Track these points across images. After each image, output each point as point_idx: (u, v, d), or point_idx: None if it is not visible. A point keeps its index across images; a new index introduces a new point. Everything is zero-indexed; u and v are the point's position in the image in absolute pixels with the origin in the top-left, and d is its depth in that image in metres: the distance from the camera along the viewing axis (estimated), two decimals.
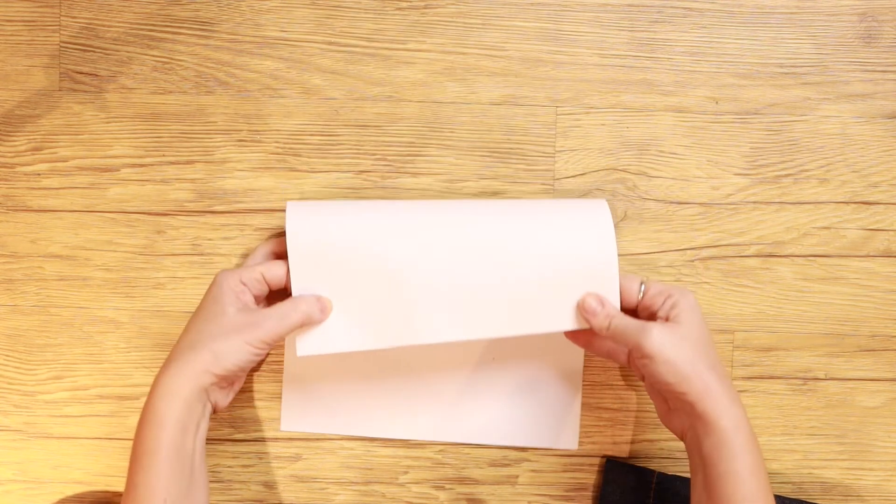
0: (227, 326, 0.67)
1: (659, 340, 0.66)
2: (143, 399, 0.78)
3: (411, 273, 0.71)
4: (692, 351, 0.66)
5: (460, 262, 0.71)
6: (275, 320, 0.68)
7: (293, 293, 0.70)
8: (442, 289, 0.71)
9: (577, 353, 0.77)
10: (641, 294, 0.70)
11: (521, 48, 0.77)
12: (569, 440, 0.78)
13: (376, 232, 0.71)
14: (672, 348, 0.65)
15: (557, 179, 0.78)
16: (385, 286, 0.71)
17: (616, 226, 0.77)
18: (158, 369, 0.68)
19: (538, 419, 0.77)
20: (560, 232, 0.71)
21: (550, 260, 0.70)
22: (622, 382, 0.78)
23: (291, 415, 0.78)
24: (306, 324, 0.69)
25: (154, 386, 0.66)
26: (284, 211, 0.78)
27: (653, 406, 0.78)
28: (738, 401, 0.65)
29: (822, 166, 0.77)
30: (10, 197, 0.79)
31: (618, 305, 0.70)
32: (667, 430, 0.78)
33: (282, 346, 0.78)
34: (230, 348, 0.67)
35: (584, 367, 0.77)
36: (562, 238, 0.70)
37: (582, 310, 0.70)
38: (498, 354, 0.77)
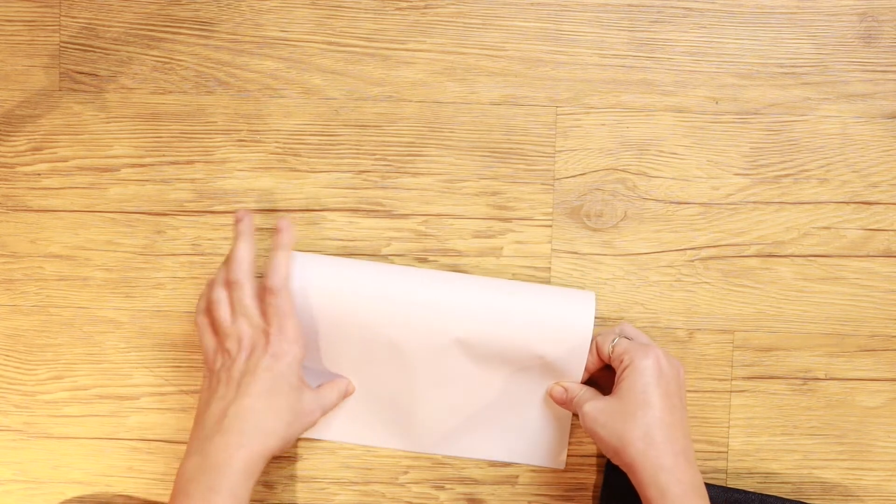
0: (295, 415, 0.71)
1: (590, 418, 0.70)
2: (143, 399, 0.78)
3: (389, 375, 0.76)
4: (623, 423, 0.68)
5: (436, 374, 0.75)
6: (321, 409, 0.73)
7: None
8: (415, 400, 0.76)
9: (575, 373, 0.76)
10: (612, 350, 0.72)
11: (521, 48, 0.77)
12: (558, 459, 0.78)
13: (364, 321, 0.74)
14: (602, 427, 0.70)
15: (557, 179, 0.78)
16: (361, 380, 0.77)
17: (616, 226, 0.78)
18: (232, 435, 0.67)
19: (528, 438, 0.77)
20: (539, 331, 0.73)
21: (525, 368, 0.75)
22: None
23: None
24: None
25: (236, 460, 0.66)
26: (284, 211, 0.78)
27: None
28: (672, 468, 0.67)
29: (822, 166, 0.77)
30: (10, 197, 0.79)
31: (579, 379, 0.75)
32: None
33: None
34: (293, 438, 0.71)
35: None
36: (539, 336, 0.74)
37: (551, 397, 0.76)
38: (490, 367, 0.76)
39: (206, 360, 0.72)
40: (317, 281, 0.74)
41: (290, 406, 0.70)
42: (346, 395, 0.76)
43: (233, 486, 0.66)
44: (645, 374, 0.69)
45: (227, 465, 0.66)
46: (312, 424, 0.72)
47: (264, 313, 0.70)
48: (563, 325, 0.73)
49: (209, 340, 0.72)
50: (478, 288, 0.74)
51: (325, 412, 0.74)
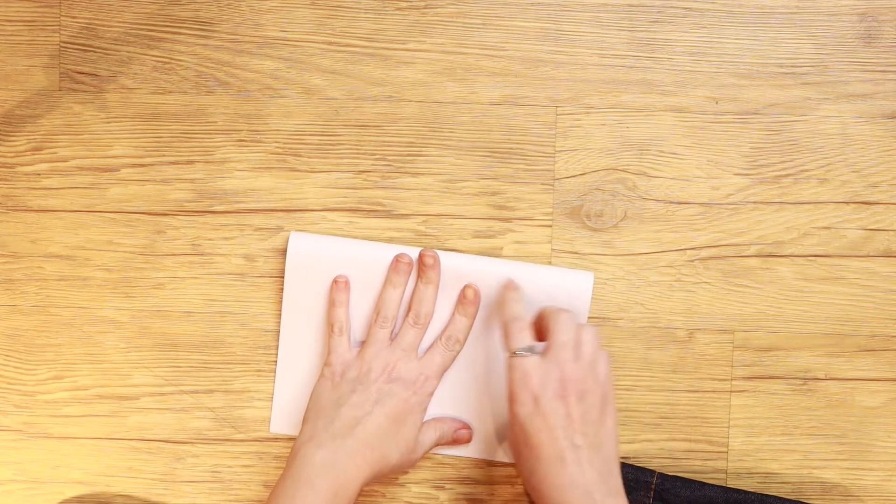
0: (409, 449, 0.72)
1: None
2: (143, 399, 0.78)
3: None
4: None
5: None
6: (423, 449, 0.74)
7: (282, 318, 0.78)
8: None
9: None
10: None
11: (521, 48, 0.77)
12: None
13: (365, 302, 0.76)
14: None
15: (557, 179, 0.78)
16: None
17: (616, 226, 0.78)
18: (361, 445, 0.70)
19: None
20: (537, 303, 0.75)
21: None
22: (622, 382, 0.78)
23: (281, 418, 0.78)
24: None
25: (362, 473, 0.69)
26: (284, 211, 0.78)
27: (652, 406, 0.78)
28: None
29: (822, 166, 0.77)
30: (10, 197, 0.79)
31: None
32: (667, 429, 0.78)
33: (274, 350, 0.78)
34: (396, 469, 0.73)
35: None
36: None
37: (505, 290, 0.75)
38: (487, 361, 0.77)
39: (334, 363, 0.74)
40: (313, 261, 0.76)
41: (408, 438, 0.72)
42: (439, 439, 0.75)
43: (350, 496, 0.68)
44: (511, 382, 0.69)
45: (354, 477, 0.68)
46: (414, 464, 0.74)
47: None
48: (558, 304, 0.74)
49: (346, 352, 0.75)
50: (475, 265, 0.76)
51: (424, 452, 0.75)
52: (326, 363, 0.75)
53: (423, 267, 0.75)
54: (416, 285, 0.75)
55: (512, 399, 0.68)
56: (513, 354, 0.69)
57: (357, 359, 0.74)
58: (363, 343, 0.75)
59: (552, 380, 0.67)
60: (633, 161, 0.77)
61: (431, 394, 0.74)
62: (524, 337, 0.70)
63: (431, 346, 0.75)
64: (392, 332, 0.75)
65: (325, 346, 0.77)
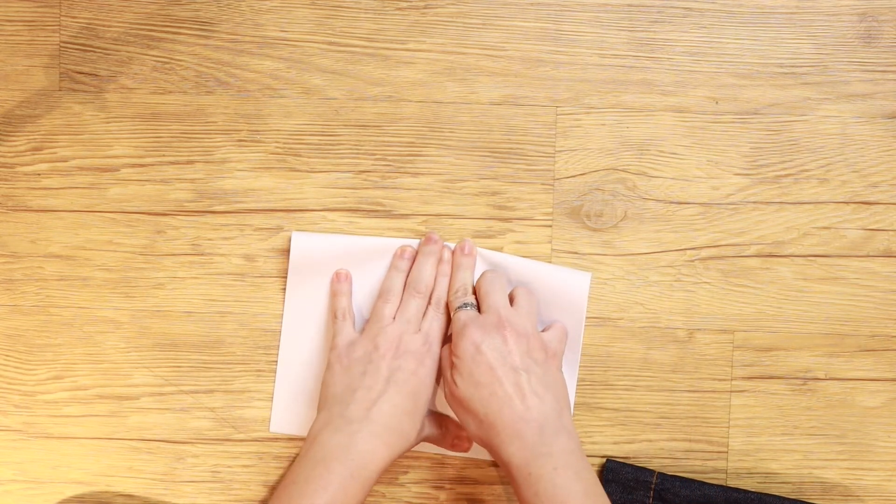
0: (422, 422, 0.73)
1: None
2: (143, 399, 0.78)
3: None
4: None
5: None
6: (427, 434, 0.74)
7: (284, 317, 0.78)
8: None
9: (571, 360, 0.77)
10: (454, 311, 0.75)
11: (521, 48, 0.77)
12: None
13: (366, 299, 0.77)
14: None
15: (557, 179, 0.78)
16: None
17: (616, 226, 0.78)
18: (378, 427, 0.69)
19: None
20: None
21: None
22: (622, 382, 0.78)
23: (281, 417, 0.78)
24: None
25: (380, 457, 0.69)
26: (284, 211, 0.78)
27: (652, 406, 0.78)
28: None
29: (822, 166, 0.77)
30: (10, 197, 0.79)
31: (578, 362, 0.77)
32: (667, 429, 0.78)
33: (274, 350, 0.78)
34: (413, 445, 0.72)
35: (582, 366, 0.77)
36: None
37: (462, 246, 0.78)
38: None
39: (339, 346, 0.74)
40: (316, 260, 0.77)
41: (422, 413, 0.72)
42: (440, 438, 0.76)
43: (368, 477, 0.68)
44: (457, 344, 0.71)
45: (371, 459, 0.68)
46: (419, 441, 0.73)
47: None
48: (556, 301, 0.75)
49: (350, 333, 0.75)
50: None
51: (424, 438, 0.74)
52: (332, 348, 0.75)
53: (425, 241, 0.76)
54: (415, 258, 0.76)
55: (455, 346, 0.71)
56: (455, 311, 0.73)
57: (362, 337, 0.74)
58: (367, 322, 0.76)
59: (491, 323, 0.71)
60: (633, 161, 0.77)
61: (436, 361, 0.73)
62: (468, 298, 0.74)
63: (424, 313, 0.75)
64: (396, 309, 0.75)
65: (327, 346, 0.77)
